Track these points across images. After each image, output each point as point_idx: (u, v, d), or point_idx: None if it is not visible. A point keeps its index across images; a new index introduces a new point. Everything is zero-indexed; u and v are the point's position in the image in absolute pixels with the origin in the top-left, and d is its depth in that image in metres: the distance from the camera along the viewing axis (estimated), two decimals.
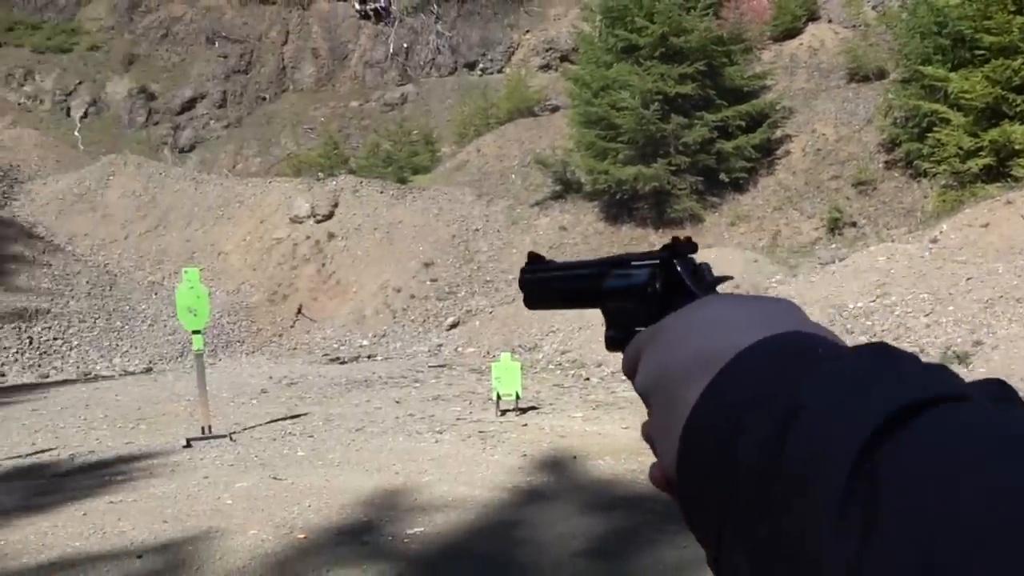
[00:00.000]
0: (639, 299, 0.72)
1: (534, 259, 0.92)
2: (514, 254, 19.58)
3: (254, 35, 46.08)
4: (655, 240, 19.28)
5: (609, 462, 6.87)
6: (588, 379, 11.57)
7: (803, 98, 22.89)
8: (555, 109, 29.17)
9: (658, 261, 0.72)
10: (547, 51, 39.36)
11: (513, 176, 23.98)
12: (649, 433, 0.57)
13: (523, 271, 0.91)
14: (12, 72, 45.35)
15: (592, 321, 13.91)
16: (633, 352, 0.63)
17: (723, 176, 20.56)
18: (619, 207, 20.89)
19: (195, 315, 8.61)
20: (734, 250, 16.10)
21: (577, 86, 22.12)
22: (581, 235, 20.52)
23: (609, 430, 8.05)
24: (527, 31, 41.91)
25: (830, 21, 27.24)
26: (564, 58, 34.78)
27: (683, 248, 0.73)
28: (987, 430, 0.38)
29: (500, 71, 40.29)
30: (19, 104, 44.67)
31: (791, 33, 26.46)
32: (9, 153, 28.24)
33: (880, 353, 0.46)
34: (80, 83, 45.22)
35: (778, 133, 21.63)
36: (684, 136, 20.06)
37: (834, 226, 18.52)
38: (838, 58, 24.41)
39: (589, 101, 21.16)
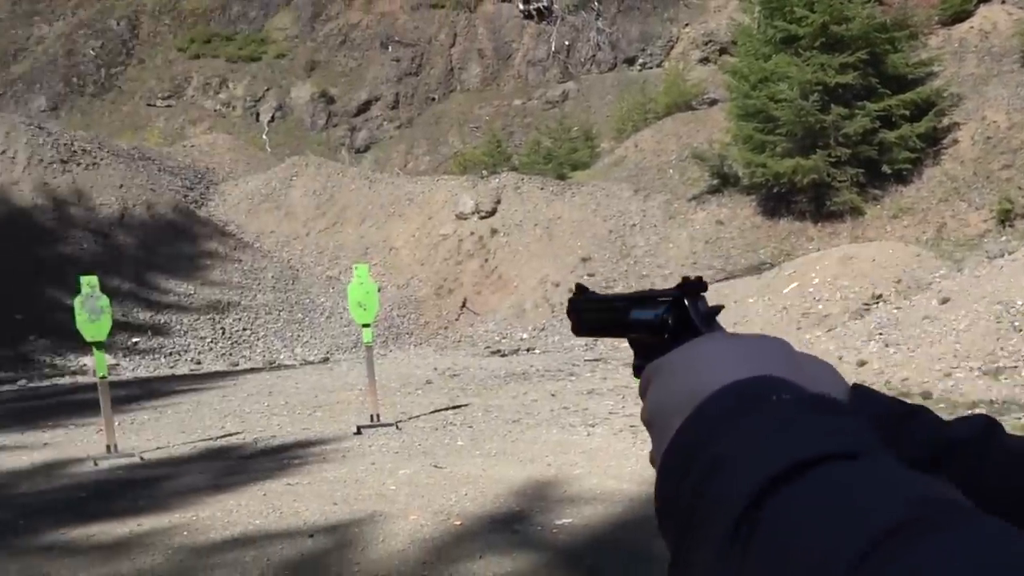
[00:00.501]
0: (654, 332, 0.79)
1: (580, 291, 1.00)
2: (671, 249, 19.46)
3: (424, 38, 47.24)
4: (813, 234, 18.78)
5: None
6: None
7: (972, 84, 21.64)
8: (713, 102, 28.68)
9: (671, 299, 0.78)
10: (706, 44, 38.67)
11: (670, 171, 23.78)
12: (651, 459, 0.63)
13: (570, 301, 0.98)
14: (209, 81, 48.19)
15: (748, 316, 13.69)
16: (644, 382, 0.68)
17: (885, 167, 19.72)
18: (777, 201, 20.39)
19: (365, 309, 8.92)
20: (896, 244, 15.44)
21: (735, 79, 21.69)
22: (738, 229, 20.17)
23: None
24: (686, 24, 41.29)
25: (1003, 1, 25.56)
26: (723, 51, 34.09)
27: (692, 287, 0.78)
28: (845, 495, 0.44)
29: (659, 65, 39.87)
30: (215, 111, 47.47)
31: (960, 16, 24.97)
32: (206, 157, 29.97)
33: (802, 406, 0.52)
34: (268, 89, 47.57)
35: (945, 121, 20.54)
36: (844, 127, 19.36)
37: (1005, 218, 17.46)
38: (1012, 41, 22.89)
39: (747, 94, 20.73)
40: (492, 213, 21.48)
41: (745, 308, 12.96)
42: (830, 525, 0.42)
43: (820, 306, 11.95)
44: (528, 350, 15.83)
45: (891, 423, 0.65)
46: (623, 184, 22.75)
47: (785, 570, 0.42)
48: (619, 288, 18.48)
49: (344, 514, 5.81)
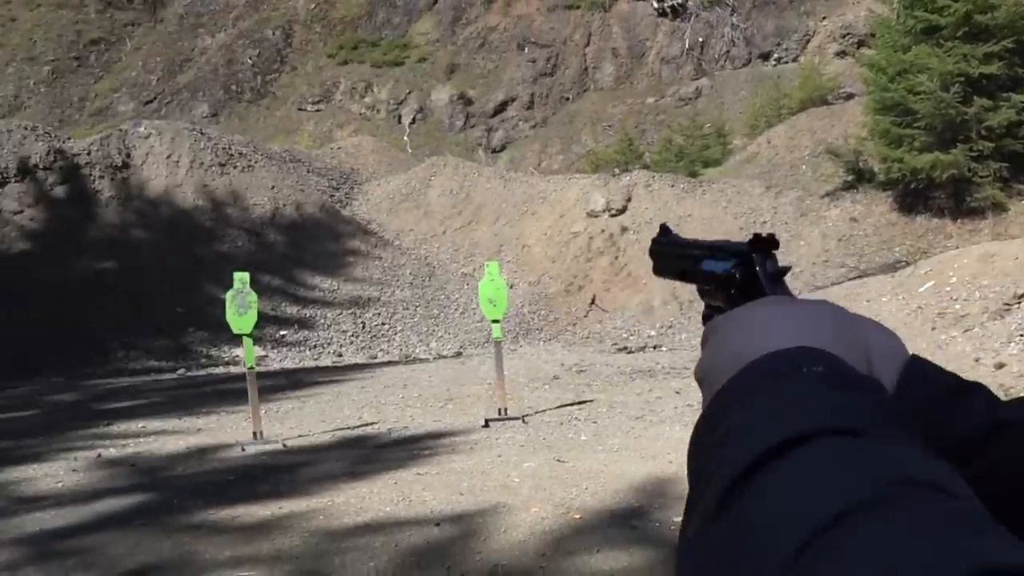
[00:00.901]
0: (721, 287, 0.78)
1: (664, 232, 0.98)
2: (802, 246, 18.92)
3: (559, 39, 47.39)
4: (952, 231, 17.92)
5: None
6: None
7: None
8: (849, 97, 27.71)
9: (741, 254, 0.77)
10: (843, 37, 37.34)
11: (803, 167, 23.10)
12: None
13: (653, 241, 0.97)
14: (355, 86, 49.71)
15: (880, 315, 13.20)
16: (703, 338, 0.67)
17: None
18: (914, 197, 19.52)
19: (495, 305, 9.03)
20: None
21: (872, 71, 20.87)
22: (872, 226, 19.43)
23: None
24: (823, 17, 39.97)
25: None
26: (861, 43, 32.86)
27: (763, 244, 0.76)
28: (814, 474, 0.43)
29: (795, 60, 38.74)
30: (360, 114, 48.92)
31: None
32: (351, 158, 30.90)
33: (824, 381, 0.52)
34: (410, 92, 48.69)
35: None
36: (988, 119, 18.37)
37: None
38: None
39: (885, 87, 19.92)
40: (623, 211, 21.40)
41: (878, 307, 12.49)
42: (785, 507, 0.42)
43: (957, 306, 11.40)
44: (655, 347, 15.70)
45: (943, 399, 0.63)
46: (755, 181, 22.23)
47: (739, 548, 0.43)
48: None
49: (469, 504, 5.94)
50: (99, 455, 8.02)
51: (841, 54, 36.18)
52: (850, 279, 16.36)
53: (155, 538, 5.43)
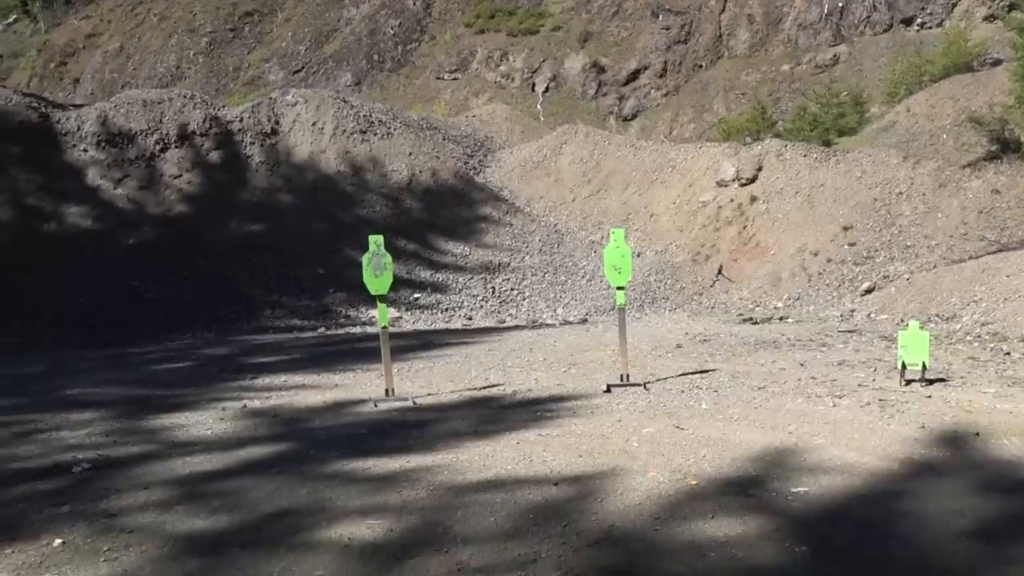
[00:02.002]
0: None
1: None
2: (939, 219, 18.00)
3: (694, 6, 46.27)
4: None
5: (1016, 443, 6.28)
6: (1008, 354, 10.38)
7: None
8: (996, 63, 26.01)
9: None
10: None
11: (944, 136, 21.89)
12: None
13: None
14: (491, 54, 49.96)
15: (1021, 292, 12.47)
16: None
17: None
18: None
19: (619, 272, 8.96)
20: None
21: (1022, 36, 19.56)
22: (1016, 199, 18.25)
23: (1023, 409, 7.31)
24: None
25: None
26: (1012, 7, 30.72)
27: None
28: None
29: (939, 25, 36.62)
30: (495, 83, 49.17)
31: None
32: (485, 126, 31.13)
33: None
34: (543, 61, 48.59)
35: None
36: None
37: None
38: None
39: None
40: (753, 180, 20.85)
41: (1019, 282, 11.82)
42: None
43: None
44: (781, 319, 15.30)
45: None
46: (891, 151, 21.21)
47: None
48: (880, 258, 17.31)
49: (588, 466, 5.98)
50: (244, 406, 8.44)
51: (990, 18, 33.98)
52: (989, 253, 15.49)
53: (292, 485, 5.70)
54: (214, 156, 21.15)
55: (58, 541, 4.73)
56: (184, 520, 5.07)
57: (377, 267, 8.49)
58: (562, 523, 4.87)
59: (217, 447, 6.82)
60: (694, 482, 5.56)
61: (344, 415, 8.01)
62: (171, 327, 15.51)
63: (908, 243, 17.44)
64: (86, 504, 5.37)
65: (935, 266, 15.67)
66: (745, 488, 5.45)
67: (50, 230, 17.72)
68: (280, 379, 10.02)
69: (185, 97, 22.28)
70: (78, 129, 20.14)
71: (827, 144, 24.54)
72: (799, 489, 5.39)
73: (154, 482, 5.83)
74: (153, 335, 14.96)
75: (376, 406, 8.26)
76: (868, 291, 15.96)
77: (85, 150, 19.84)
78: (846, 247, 17.73)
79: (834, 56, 40.57)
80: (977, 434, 6.49)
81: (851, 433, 6.65)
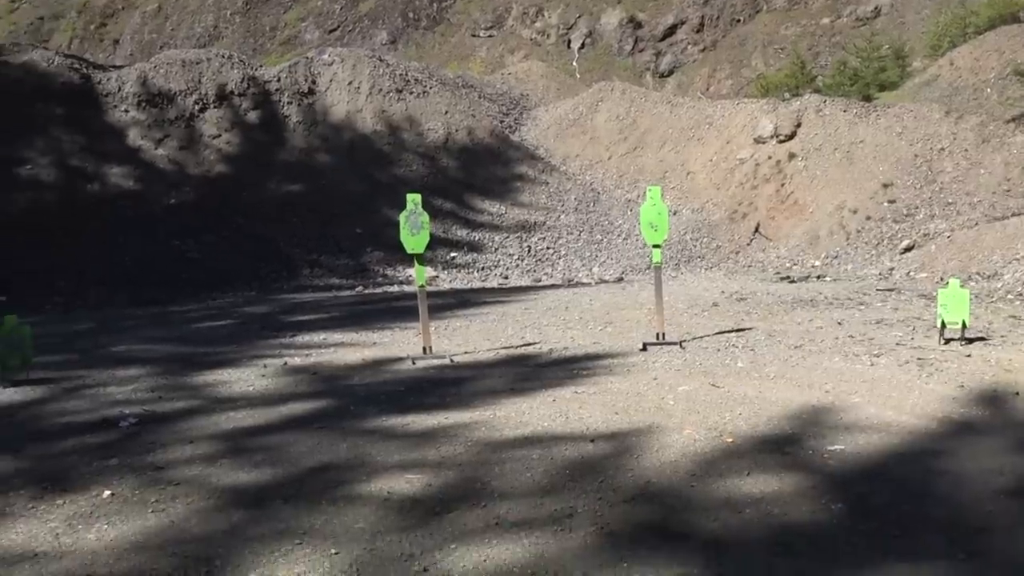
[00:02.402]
0: None
1: None
2: (982, 175, 17.60)
3: None
4: None
5: None
6: None
7: None
8: None
9: None
10: None
11: (988, 90, 21.34)
12: None
13: None
14: (527, 11, 49.48)
15: None
16: None
17: None
18: None
19: (656, 230, 8.90)
20: None
21: None
22: None
23: None
24: None
25: None
26: None
27: None
28: None
29: None
30: (531, 39, 48.75)
31: None
32: (521, 84, 30.91)
33: None
34: (579, 17, 48.03)
35: None
36: None
37: None
38: None
39: None
40: (791, 137, 20.53)
41: None
42: None
43: None
44: (819, 277, 15.13)
45: None
46: (933, 105, 20.72)
47: None
48: (921, 215, 16.98)
49: (624, 423, 6.01)
50: (285, 363, 8.56)
51: None
52: None
53: (333, 440, 5.79)
54: (252, 116, 21.24)
55: (107, 492, 4.86)
56: (229, 473, 5.18)
57: (414, 226, 8.52)
58: (598, 479, 4.91)
59: (259, 403, 6.93)
60: (730, 439, 5.56)
61: (383, 372, 8.10)
62: (212, 286, 15.72)
63: (949, 200, 17.12)
64: (133, 457, 5.50)
65: (976, 223, 15.39)
66: (781, 446, 5.44)
67: (93, 191, 17.96)
68: (319, 337, 10.13)
69: (223, 57, 22.35)
70: (119, 90, 20.31)
71: (867, 99, 24.04)
72: (836, 447, 5.37)
73: (199, 436, 5.95)
74: (195, 294, 15.17)
75: (414, 364, 8.34)
76: (908, 249, 15.72)
77: (126, 111, 20.02)
78: (886, 204, 17.45)
79: (875, 8, 39.65)
80: (1017, 393, 6.42)
81: (888, 392, 6.61)
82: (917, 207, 17.21)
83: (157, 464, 5.37)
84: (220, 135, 20.47)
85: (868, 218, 17.27)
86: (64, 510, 4.64)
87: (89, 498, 4.79)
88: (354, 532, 4.26)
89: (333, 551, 4.04)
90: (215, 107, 20.86)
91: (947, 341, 8.24)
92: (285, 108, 21.73)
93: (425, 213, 8.61)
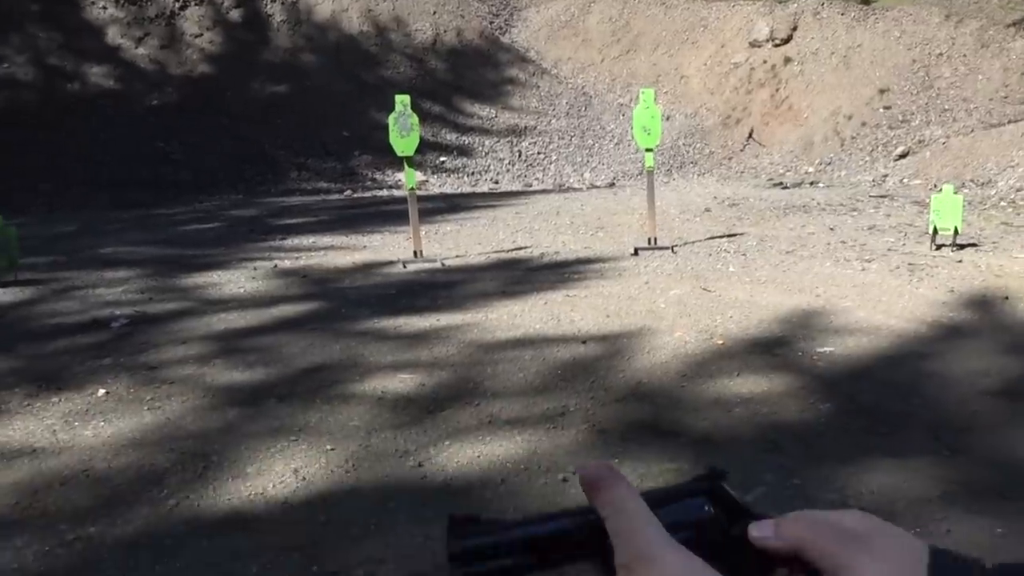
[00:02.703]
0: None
1: (463, 524, 0.58)
2: (980, 81, 17.37)
3: None
4: None
5: None
6: None
7: None
8: None
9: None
10: None
11: None
12: None
13: (453, 558, 0.56)
14: None
15: None
16: None
17: None
18: None
19: (648, 134, 8.82)
20: None
21: None
22: None
23: None
24: None
25: None
26: None
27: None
28: None
29: None
30: None
31: None
32: None
33: None
34: None
35: None
36: None
37: None
38: None
39: None
40: (787, 41, 20.15)
41: None
42: None
43: None
44: (812, 184, 15.08)
45: None
46: (933, 8, 20.27)
47: None
48: (916, 121, 16.83)
49: (615, 326, 6.08)
50: (275, 266, 8.56)
51: None
52: None
53: (325, 341, 5.84)
54: (235, 14, 20.70)
55: (102, 391, 4.91)
56: (222, 373, 5.23)
57: (403, 127, 8.42)
58: (590, 379, 4.99)
59: (250, 305, 6.96)
60: (720, 342, 5.64)
61: (373, 276, 8.12)
62: (198, 188, 15.57)
63: (946, 106, 16.96)
64: (126, 357, 5.54)
65: (972, 130, 15.30)
66: (771, 348, 5.53)
67: (73, 90, 17.60)
68: (309, 240, 10.11)
69: None
70: None
71: (866, 2, 23.55)
72: (825, 349, 5.46)
73: (191, 337, 5.99)
74: (180, 196, 15.04)
75: (405, 267, 8.36)
76: (902, 156, 15.64)
77: (104, 7, 19.46)
78: (881, 111, 17.29)
79: None
80: (1006, 298, 6.50)
81: (879, 296, 6.68)
82: (913, 113, 17.05)
83: (150, 364, 5.41)
84: (202, 34, 19.98)
85: (863, 124, 17.12)
86: (60, 408, 4.69)
87: (84, 396, 4.85)
88: (349, 429, 4.33)
89: (329, 447, 4.11)
90: (196, 4, 20.29)
91: (938, 247, 8.29)
92: (268, 6, 21.17)
93: (414, 114, 8.50)
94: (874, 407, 4.51)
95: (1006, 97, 16.74)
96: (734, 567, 0.55)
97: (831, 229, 9.80)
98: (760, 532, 0.56)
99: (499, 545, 0.57)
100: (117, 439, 4.25)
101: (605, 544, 0.55)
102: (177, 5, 20.06)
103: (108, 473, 3.88)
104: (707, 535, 0.57)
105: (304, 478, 3.80)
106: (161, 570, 3.11)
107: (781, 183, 15.37)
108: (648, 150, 8.99)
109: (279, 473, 3.84)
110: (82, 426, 4.42)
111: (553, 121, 19.94)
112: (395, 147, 8.47)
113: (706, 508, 0.58)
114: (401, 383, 4.97)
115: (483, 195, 15.56)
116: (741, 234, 9.68)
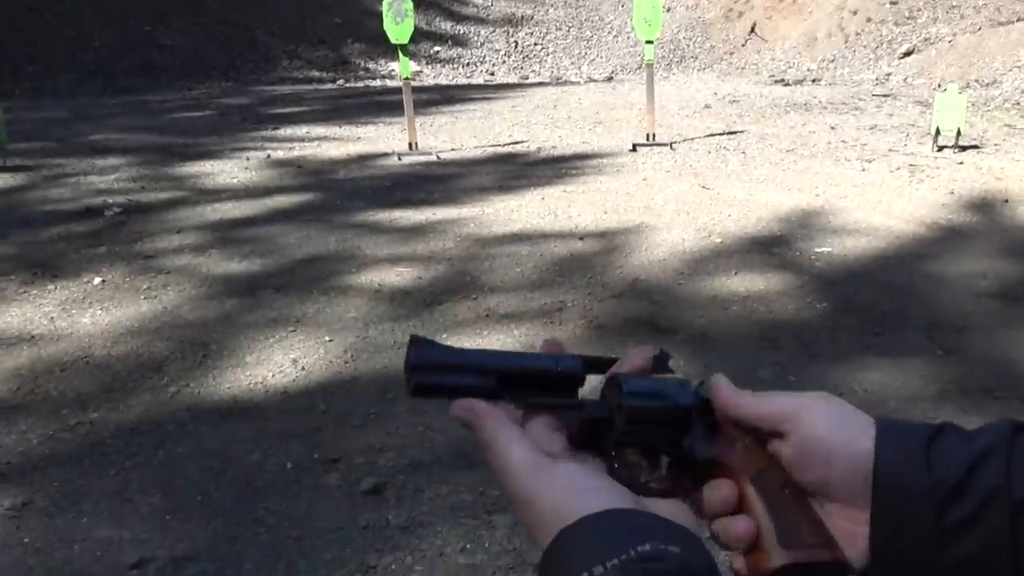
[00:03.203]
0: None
1: (427, 343, 0.62)
2: None
3: None
4: None
5: None
6: None
7: None
8: None
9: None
10: None
11: None
12: None
13: (411, 367, 0.61)
14: None
15: None
16: None
17: None
18: None
19: (649, 24, 8.63)
20: None
21: None
22: None
23: None
24: None
25: None
26: None
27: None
28: None
29: None
30: None
31: None
32: None
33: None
34: None
35: None
36: None
37: None
38: None
39: None
40: None
41: None
42: None
43: None
44: (814, 81, 14.82)
45: (920, 450, 0.59)
46: None
47: None
48: (923, 18, 16.41)
49: (613, 222, 6.06)
50: (268, 156, 8.45)
51: None
52: None
53: (321, 232, 5.81)
54: None
55: (98, 279, 4.90)
56: (219, 263, 5.22)
57: (398, 13, 8.21)
58: (587, 275, 5.00)
59: (244, 195, 6.90)
60: (718, 240, 5.64)
61: (368, 167, 8.04)
62: (187, 75, 15.25)
63: (954, 3, 16.53)
64: (121, 246, 5.52)
65: (980, 28, 14.97)
66: (769, 247, 5.53)
67: None
68: (302, 130, 9.96)
69: None
70: None
71: None
72: (823, 249, 5.47)
73: (186, 227, 5.95)
74: (170, 83, 14.74)
75: (400, 159, 8.27)
76: (907, 54, 15.32)
77: None
78: (887, 6, 16.85)
79: None
80: (1006, 201, 6.48)
81: (878, 196, 6.65)
82: (920, 9, 16.62)
83: (146, 253, 5.39)
84: None
85: (868, 20, 16.71)
86: (56, 295, 4.69)
87: (80, 284, 4.84)
88: (346, 321, 4.35)
89: (327, 338, 4.14)
90: None
91: (940, 148, 8.21)
92: None
93: (409, 0, 8.27)
94: (870, 307, 4.54)
95: None
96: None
97: (832, 128, 9.68)
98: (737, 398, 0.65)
99: (462, 365, 0.61)
100: (115, 327, 4.26)
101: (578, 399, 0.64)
102: None
103: (108, 360, 3.91)
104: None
105: (303, 368, 3.83)
106: (164, 456, 3.16)
107: (783, 80, 15.12)
108: (648, 42, 8.80)
109: (278, 363, 3.88)
110: (79, 314, 4.43)
111: (551, 11, 19.44)
112: (389, 34, 8.27)
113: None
114: (398, 276, 4.97)
115: (479, 87, 15.30)
116: (741, 132, 9.57)
